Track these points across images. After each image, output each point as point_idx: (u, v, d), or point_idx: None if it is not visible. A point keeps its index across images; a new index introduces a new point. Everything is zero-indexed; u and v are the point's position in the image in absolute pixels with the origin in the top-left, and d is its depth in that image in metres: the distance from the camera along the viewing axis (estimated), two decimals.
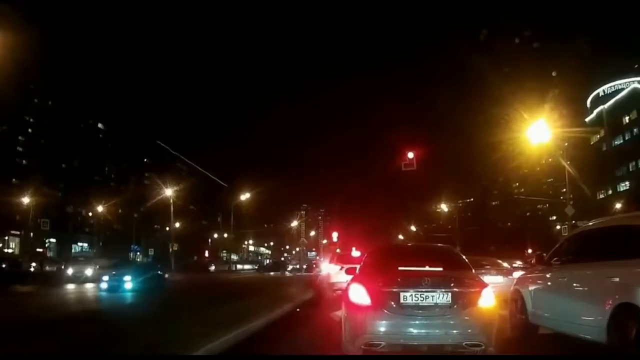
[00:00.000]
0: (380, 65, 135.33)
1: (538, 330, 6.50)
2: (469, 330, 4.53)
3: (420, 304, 4.58)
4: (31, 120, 56.89)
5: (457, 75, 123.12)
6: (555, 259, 6.44)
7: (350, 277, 5.69)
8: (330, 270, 14.22)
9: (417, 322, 4.56)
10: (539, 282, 6.55)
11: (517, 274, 12.20)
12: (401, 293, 4.61)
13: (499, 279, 11.65)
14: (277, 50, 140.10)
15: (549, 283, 6.22)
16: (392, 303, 4.58)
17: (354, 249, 16.46)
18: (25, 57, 31.87)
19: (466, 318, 4.55)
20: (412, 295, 4.59)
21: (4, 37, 22.24)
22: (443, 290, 4.61)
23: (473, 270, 5.43)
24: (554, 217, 70.71)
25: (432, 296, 4.59)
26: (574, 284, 5.48)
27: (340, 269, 11.95)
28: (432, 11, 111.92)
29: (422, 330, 4.54)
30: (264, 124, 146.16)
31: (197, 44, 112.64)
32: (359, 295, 4.75)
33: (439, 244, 8.06)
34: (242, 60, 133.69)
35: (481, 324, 4.57)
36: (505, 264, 15.38)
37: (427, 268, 5.13)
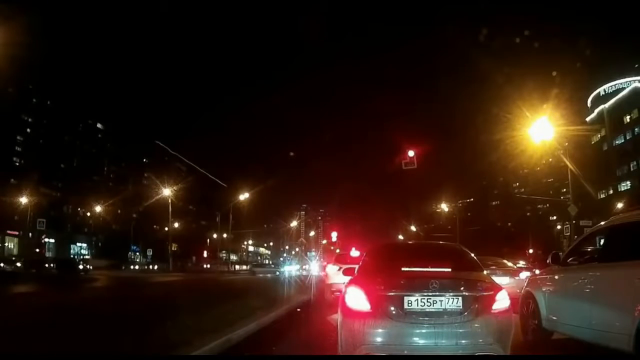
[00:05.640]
0: (381, 63, 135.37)
1: (552, 336, 6.00)
2: (482, 340, 4.01)
3: (427, 309, 4.05)
4: (30, 120, 56.55)
5: (458, 75, 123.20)
6: (572, 258, 5.92)
7: (348, 278, 5.10)
8: (329, 271, 13.81)
9: (423, 330, 4.03)
10: (554, 284, 6.01)
11: (524, 275, 11.78)
12: (405, 297, 4.08)
13: (506, 279, 11.17)
14: (276, 49, 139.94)
15: (567, 285, 5.65)
16: (395, 309, 4.05)
17: (353, 249, 16.03)
18: (24, 56, 31.56)
19: (479, 326, 4.03)
20: (417, 300, 4.07)
21: (2, 36, 21.92)
22: (453, 294, 4.08)
23: (485, 271, 4.90)
24: (554, 217, 70.48)
25: (441, 301, 4.07)
26: (597, 287, 4.95)
27: (339, 270, 11.53)
28: (433, 10, 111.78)
29: (429, 340, 4.01)
30: (263, 123, 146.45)
31: (196, 43, 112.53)
32: (357, 299, 4.22)
33: (446, 242, 7.46)
34: (242, 61, 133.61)
35: (496, 333, 4.05)
36: (510, 264, 14.94)
37: (433, 269, 4.51)
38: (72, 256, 53.86)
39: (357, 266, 5.36)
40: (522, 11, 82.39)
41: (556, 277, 6.08)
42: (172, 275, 34.84)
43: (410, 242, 15.45)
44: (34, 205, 44.51)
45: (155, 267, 53.65)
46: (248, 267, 39.27)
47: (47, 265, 33.90)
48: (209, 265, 62.28)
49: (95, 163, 66.12)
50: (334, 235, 70.06)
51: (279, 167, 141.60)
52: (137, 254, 66.16)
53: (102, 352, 4.80)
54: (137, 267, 55.38)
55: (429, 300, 4.07)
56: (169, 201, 46.17)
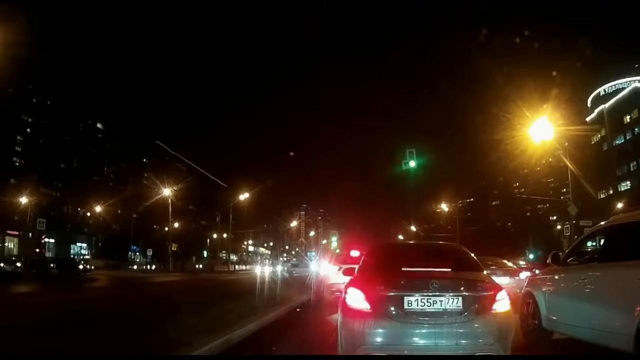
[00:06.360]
0: (381, 64, 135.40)
1: (552, 336, 6.01)
2: (482, 340, 4.02)
3: (427, 310, 4.06)
4: (30, 119, 56.51)
5: (458, 75, 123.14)
6: (572, 258, 5.92)
7: (348, 278, 5.10)
8: (329, 271, 13.79)
9: (423, 330, 4.03)
10: (554, 284, 6.01)
11: (524, 275, 11.78)
12: (405, 297, 4.08)
13: (506, 279, 11.17)
14: (276, 49, 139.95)
15: (567, 285, 5.66)
16: (395, 309, 4.06)
17: (353, 249, 15.98)
18: (24, 56, 31.54)
19: (479, 326, 4.03)
20: (417, 300, 4.07)
21: (2, 36, 21.90)
22: (453, 294, 4.08)
23: (485, 271, 4.89)
24: (554, 217, 70.49)
25: (441, 301, 4.07)
26: (597, 287, 4.95)
27: (339, 270, 11.51)
28: (433, 10, 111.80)
29: (429, 341, 4.01)
30: (263, 123, 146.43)
31: (196, 43, 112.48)
32: (357, 299, 4.22)
33: (445, 242, 7.45)
34: (241, 61, 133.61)
35: (496, 333, 4.05)
36: (510, 264, 14.92)
37: (433, 269, 4.49)
38: (72, 256, 53.75)
39: (357, 266, 5.35)
40: (522, 11, 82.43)
41: (556, 277, 6.08)
42: (172, 275, 34.95)
43: (410, 242, 15.46)
44: (34, 205, 44.44)
45: (153, 267, 53.75)
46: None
47: (49, 265, 33.86)
48: (200, 266, 61.83)
49: (95, 163, 66.05)
50: (334, 235, 70.21)
51: (279, 167, 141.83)
52: (137, 254, 66.14)
53: (102, 352, 4.79)
54: (136, 267, 55.50)
55: (429, 300, 4.08)
56: (169, 201, 46.20)
